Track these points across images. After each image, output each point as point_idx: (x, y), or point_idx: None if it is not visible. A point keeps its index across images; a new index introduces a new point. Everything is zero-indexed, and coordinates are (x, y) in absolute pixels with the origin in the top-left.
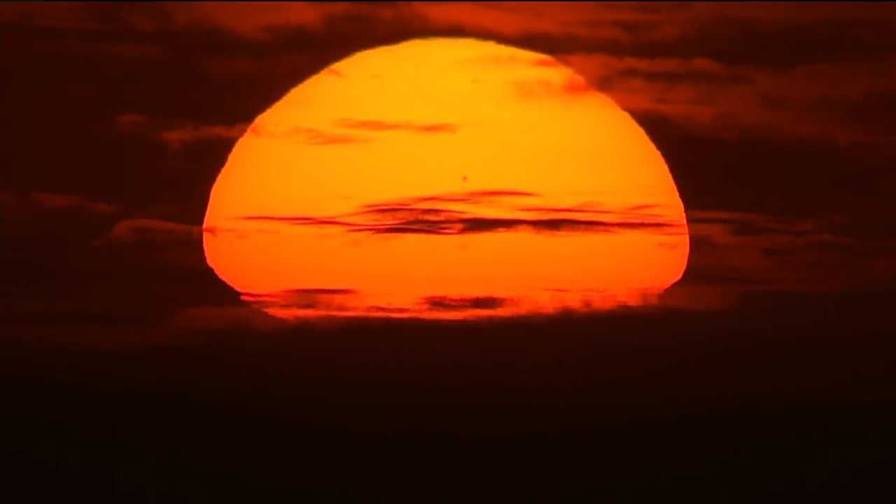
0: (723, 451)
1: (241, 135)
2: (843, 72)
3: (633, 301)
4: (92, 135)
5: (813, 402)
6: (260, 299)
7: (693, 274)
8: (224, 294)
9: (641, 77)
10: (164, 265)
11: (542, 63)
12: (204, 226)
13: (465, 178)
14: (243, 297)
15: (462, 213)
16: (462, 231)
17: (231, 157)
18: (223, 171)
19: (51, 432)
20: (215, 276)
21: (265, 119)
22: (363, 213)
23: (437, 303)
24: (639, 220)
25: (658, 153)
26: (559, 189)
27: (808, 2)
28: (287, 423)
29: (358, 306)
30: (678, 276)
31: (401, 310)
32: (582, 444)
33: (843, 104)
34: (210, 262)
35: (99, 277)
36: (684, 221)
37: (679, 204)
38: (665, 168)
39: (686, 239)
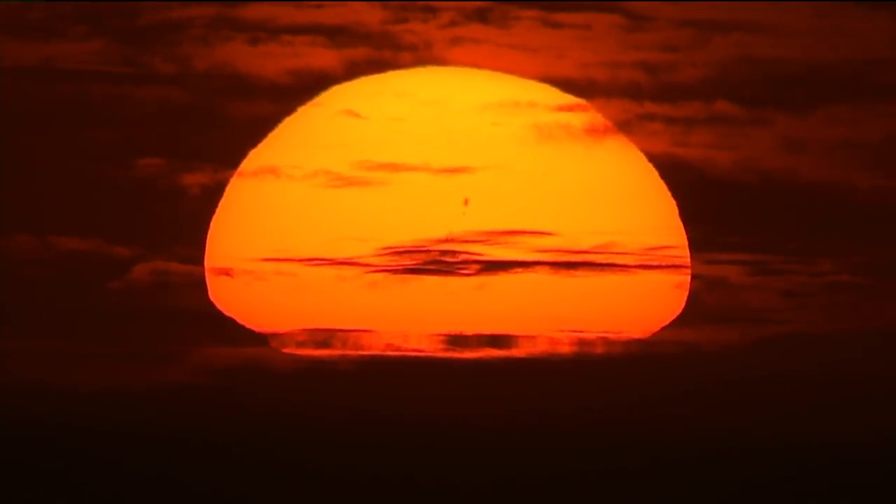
0: (743, 492)
1: (259, 178)
2: (864, 114)
3: (650, 341)
4: (110, 178)
5: (830, 443)
6: (277, 338)
7: (710, 314)
8: (241, 334)
9: (661, 121)
10: (182, 307)
11: (561, 108)
12: (221, 267)
13: (466, 202)
14: (260, 337)
15: (480, 254)
16: (479, 272)
17: (250, 200)
18: (242, 213)
19: (66, 474)
20: (232, 316)
21: (284, 161)
22: (381, 254)
23: (454, 342)
24: (657, 262)
25: (676, 195)
26: (577, 229)
27: (829, 42)
28: (303, 460)
29: (375, 345)
30: (695, 317)
31: (417, 349)
32: (600, 485)
33: (863, 147)
34: (228, 303)
35: (117, 320)
36: (700, 262)
37: (696, 245)
38: (681, 210)
39: (702, 280)
